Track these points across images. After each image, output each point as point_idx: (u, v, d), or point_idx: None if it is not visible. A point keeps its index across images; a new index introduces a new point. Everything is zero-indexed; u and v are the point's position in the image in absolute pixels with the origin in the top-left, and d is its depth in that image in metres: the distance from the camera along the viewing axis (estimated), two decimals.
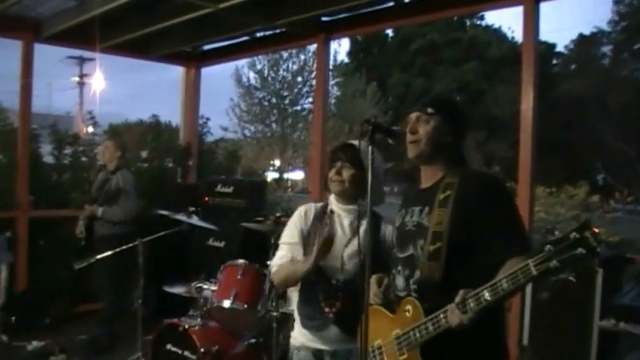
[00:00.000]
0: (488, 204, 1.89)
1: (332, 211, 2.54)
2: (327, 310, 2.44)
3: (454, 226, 1.88)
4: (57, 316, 5.62)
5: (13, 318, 5.28)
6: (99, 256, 4.50)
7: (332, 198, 2.57)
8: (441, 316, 1.78)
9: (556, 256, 1.57)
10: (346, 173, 2.47)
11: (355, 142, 2.52)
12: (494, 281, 1.68)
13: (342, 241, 2.46)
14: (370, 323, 1.88)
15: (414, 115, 2.05)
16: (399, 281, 2.03)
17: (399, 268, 2.04)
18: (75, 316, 5.71)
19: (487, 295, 1.68)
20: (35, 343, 4.99)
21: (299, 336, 2.54)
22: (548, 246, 1.58)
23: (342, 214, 2.52)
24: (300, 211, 2.62)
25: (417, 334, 1.85)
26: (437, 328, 1.79)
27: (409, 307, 1.91)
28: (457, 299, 1.73)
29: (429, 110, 2.01)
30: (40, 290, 5.52)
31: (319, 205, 2.63)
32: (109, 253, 4.49)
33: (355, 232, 2.42)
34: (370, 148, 1.92)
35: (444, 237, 1.89)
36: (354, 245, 2.41)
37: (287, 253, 2.57)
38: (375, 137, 1.95)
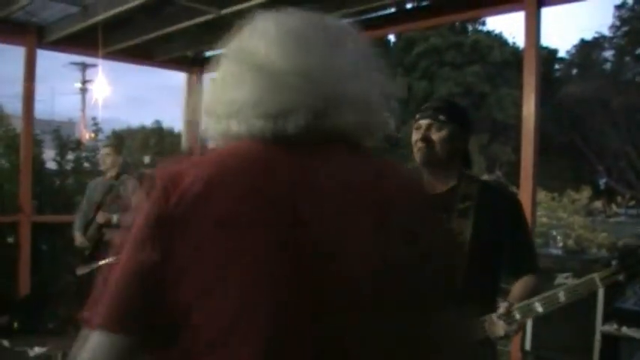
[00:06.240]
0: (511, 221, 1.95)
1: None
2: None
3: (475, 237, 1.90)
4: (60, 321, 5.62)
5: (16, 323, 5.29)
6: (102, 262, 4.50)
7: None
8: None
9: (623, 271, 1.65)
10: None
11: None
12: (549, 294, 1.72)
13: None
14: None
15: (424, 123, 2.02)
16: None
17: None
18: (78, 322, 5.70)
19: (539, 307, 1.72)
20: (37, 349, 4.99)
21: None
22: (615, 261, 1.67)
23: None
24: None
25: None
26: None
27: None
28: (501, 310, 1.75)
29: (442, 118, 2.00)
30: (43, 295, 5.52)
31: None
32: (112, 259, 4.48)
33: None
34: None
35: (465, 247, 1.89)
36: None
37: None
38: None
